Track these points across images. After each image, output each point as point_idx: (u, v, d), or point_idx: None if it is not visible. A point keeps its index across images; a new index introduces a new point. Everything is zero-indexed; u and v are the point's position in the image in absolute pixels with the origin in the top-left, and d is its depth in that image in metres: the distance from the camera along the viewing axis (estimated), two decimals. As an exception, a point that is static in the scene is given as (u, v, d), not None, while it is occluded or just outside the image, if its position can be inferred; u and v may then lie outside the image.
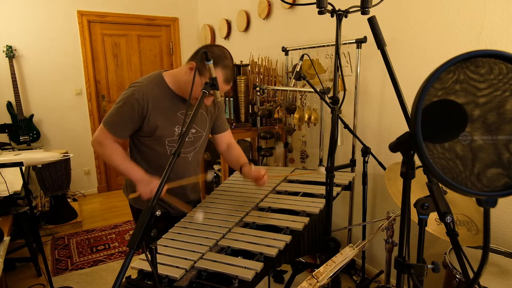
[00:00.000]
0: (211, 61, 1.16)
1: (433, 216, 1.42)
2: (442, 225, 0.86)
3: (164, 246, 1.24)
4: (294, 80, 1.83)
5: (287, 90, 2.84)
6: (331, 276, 0.99)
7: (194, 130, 1.56)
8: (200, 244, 1.23)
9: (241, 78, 2.85)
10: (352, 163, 2.28)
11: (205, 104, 1.54)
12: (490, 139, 0.62)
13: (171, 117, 1.48)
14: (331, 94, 1.39)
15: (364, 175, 2.05)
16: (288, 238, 1.25)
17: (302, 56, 1.83)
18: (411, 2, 2.04)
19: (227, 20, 4.05)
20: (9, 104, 3.73)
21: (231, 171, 2.87)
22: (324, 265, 1.02)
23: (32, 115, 3.87)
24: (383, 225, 1.55)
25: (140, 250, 0.83)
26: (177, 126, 1.49)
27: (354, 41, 2.24)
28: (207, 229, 1.35)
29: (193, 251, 1.19)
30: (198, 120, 1.57)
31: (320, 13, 1.21)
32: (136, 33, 4.43)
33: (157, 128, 1.45)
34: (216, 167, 3.40)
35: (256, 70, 3.12)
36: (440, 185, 0.77)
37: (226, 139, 1.74)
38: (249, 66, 3.09)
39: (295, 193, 1.71)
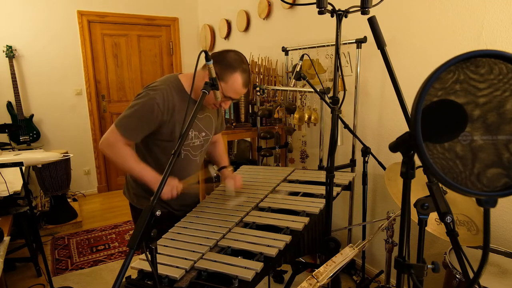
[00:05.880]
0: (211, 61, 1.17)
1: (433, 216, 1.42)
2: (442, 225, 0.86)
3: (164, 246, 1.24)
4: (294, 80, 1.83)
5: (287, 90, 2.84)
6: (331, 276, 0.99)
7: (204, 134, 1.59)
8: (200, 244, 1.23)
9: (241, 78, 2.84)
10: (352, 163, 2.28)
11: (214, 107, 1.55)
12: (490, 139, 0.62)
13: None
14: (331, 94, 1.39)
15: (364, 175, 2.05)
16: (288, 238, 1.25)
17: (302, 56, 1.83)
18: (411, 2, 2.04)
19: (227, 20, 4.05)
20: (9, 104, 3.73)
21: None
22: (324, 265, 1.02)
23: (32, 115, 3.87)
24: (383, 225, 1.55)
25: (140, 250, 0.83)
26: (194, 132, 1.52)
27: (354, 41, 2.24)
28: (207, 229, 1.35)
29: (193, 251, 1.19)
30: (208, 124, 1.60)
31: (320, 13, 1.21)
32: (136, 33, 4.43)
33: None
34: (216, 167, 3.39)
35: (256, 70, 3.12)
36: (440, 185, 0.77)
37: (216, 136, 1.81)
38: (249, 66, 3.08)
39: (295, 193, 1.71)
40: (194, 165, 1.62)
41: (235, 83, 1.39)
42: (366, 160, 2.00)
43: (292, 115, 2.67)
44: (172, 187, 1.39)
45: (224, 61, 1.38)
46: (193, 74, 1.49)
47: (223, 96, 1.42)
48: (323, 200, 1.56)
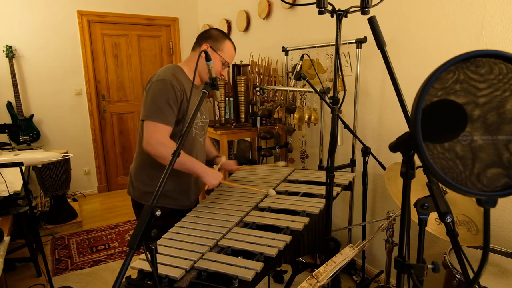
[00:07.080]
0: (211, 61, 1.23)
1: (433, 216, 1.42)
2: (442, 225, 0.86)
3: (164, 246, 1.24)
4: (294, 80, 1.83)
5: (287, 90, 2.84)
6: (331, 276, 0.99)
7: (204, 116, 1.71)
8: (200, 244, 1.23)
9: (241, 78, 2.85)
10: (352, 163, 2.28)
11: (220, 76, 1.74)
12: (490, 139, 0.62)
13: (193, 102, 1.62)
14: (331, 94, 1.39)
15: (364, 175, 2.05)
16: (288, 238, 1.25)
17: (302, 56, 1.83)
18: (411, 2, 2.04)
19: (227, 20, 4.05)
20: (9, 104, 3.73)
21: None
22: (324, 265, 1.02)
23: (32, 115, 3.87)
24: (383, 225, 1.55)
25: (141, 250, 0.83)
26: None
27: (354, 41, 2.24)
28: (207, 229, 1.35)
29: (193, 251, 1.19)
30: (206, 107, 1.73)
31: (320, 13, 1.21)
32: (136, 33, 4.43)
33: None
34: (216, 167, 3.39)
35: (256, 70, 3.12)
36: (440, 185, 0.77)
37: None
38: (249, 66, 3.09)
39: (295, 193, 1.71)
40: (199, 146, 1.71)
41: (230, 48, 1.62)
42: (366, 160, 2.00)
43: (292, 115, 2.67)
44: (218, 178, 1.56)
45: (213, 36, 1.59)
46: (188, 59, 1.67)
47: (222, 64, 1.62)
48: (323, 200, 1.56)
